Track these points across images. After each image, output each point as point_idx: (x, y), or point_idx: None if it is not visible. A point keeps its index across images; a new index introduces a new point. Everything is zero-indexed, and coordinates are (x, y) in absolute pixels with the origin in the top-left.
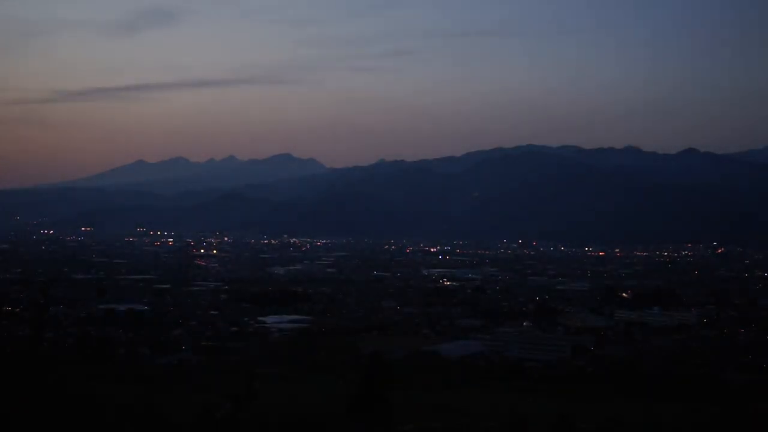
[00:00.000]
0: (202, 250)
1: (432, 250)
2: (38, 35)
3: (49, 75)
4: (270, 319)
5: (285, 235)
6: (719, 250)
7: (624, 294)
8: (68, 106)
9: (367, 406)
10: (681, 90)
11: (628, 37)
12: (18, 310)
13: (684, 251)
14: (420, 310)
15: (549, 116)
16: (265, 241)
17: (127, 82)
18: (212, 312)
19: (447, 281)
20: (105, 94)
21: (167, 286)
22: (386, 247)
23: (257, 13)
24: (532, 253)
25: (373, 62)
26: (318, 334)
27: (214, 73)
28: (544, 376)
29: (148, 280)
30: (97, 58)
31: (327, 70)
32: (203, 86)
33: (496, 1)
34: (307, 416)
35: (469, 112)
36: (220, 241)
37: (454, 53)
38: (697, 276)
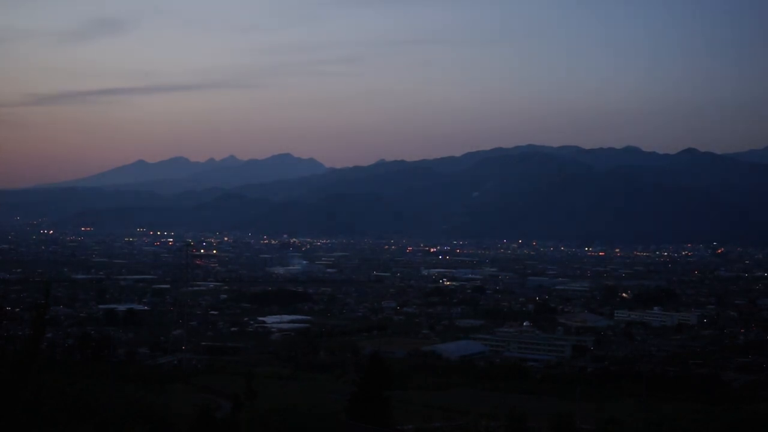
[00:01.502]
0: (202, 250)
1: (432, 250)
2: None
3: (14, 79)
4: (270, 319)
5: (285, 235)
6: (719, 250)
7: (624, 294)
8: (45, 108)
9: (367, 405)
10: (681, 90)
11: (629, 37)
12: (18, 310)
13: (684, 251)
14: (420, 310)
15: (549, 116)
16: (265, 241)
17: (95, 87)
18: (212, 312)
19: (447, 281)
20: (77, 98)
21: (167, 286)
22: (386, 247)
23: (197, 23)
24: (532, 253)
25: (326, 67)
26: (318, 334)
27: (178, 79)
28: (544, 376)
29: (148, 280)
30: (57, 64)
31: (285, 75)
32: (171, 91)
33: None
34: (307, 416)
35: (468, 112)
36: (220, 241)
37: (411, 59)
38: (697, 276)
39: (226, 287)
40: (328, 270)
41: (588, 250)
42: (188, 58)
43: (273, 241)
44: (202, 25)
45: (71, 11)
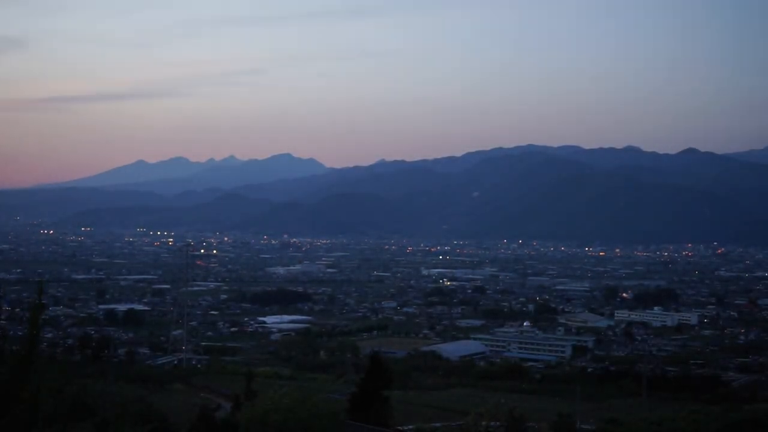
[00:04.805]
0: (202, 250)
1: (432, 250)
2: None
3: None
4: (270, 319)
5: (285, 235)
6: (719, 250)
7: (624, 294)
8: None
9: (367, 405)
10: (681, 90)
11: (629, 36)
12: (18, 310)
13: (684, 251)
14: (420, 310)
15: (549, 116)
16: (265, 241)
17: (33, 96)
18: (212, 312)
19: (447, 281)
20: (27, 105)
21: (167, 286)
22: (386, 247)
23: (92, 41)
24: (532, 253)
25: (236, 78)
26: (318, 334)
27: (108, 89)
28: (544, 376)
29: (148, 280)
30: None
31: (202, 86)
32: (105, 99)
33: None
34: (307, 416)
35: (468, 112)
36: (220, 241)
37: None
38: (698, 276)
39: (226, 287)
40: (328, 270)
41: (588, 250)
42: (104, 73)
43: (273, 241)
44: (97, 42)
45: None
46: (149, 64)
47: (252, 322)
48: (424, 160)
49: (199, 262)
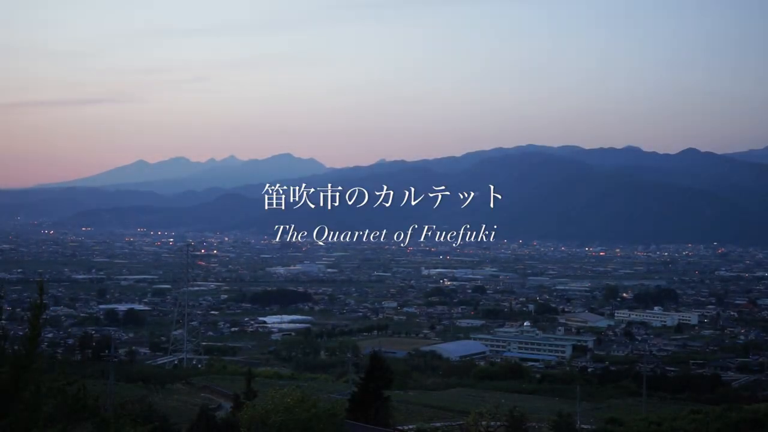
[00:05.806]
0: (202, 250)
1: (432, 250)
2: None
3: None
4: (270, 319)
5: (285, 235)
6: (719, 250)
7: (624, 294)
8: None
9: (367, 405)
10: (681, 90)
11: (629, 37)
12: (18, 310)
13: (684, 251)
14: (420, 310)
15: (549, 116)
16: (265, 241)
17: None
18: (213, 312)
19: (447, 281)
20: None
21: (168, 286)
22: (386, 247)
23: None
24: (532, 253)
25: (236, 78)
26: (318, 334)
27: (107, 90)
28: (544, 376)
29: (149, 280)
30: None
31: (202, 86)
32: (105, 101)
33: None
34: (307, 416)
35: (468, 112)
36: (221, 241)
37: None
38: (698, 276)
39: (226, 287)
40: (328, 270)
41: (588, 250)
42: (101, 74)
43: (273, 241)
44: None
45: None
46: (148, 64)
47: (252, 322)
48: (424, 160)
49: (199, 262)
